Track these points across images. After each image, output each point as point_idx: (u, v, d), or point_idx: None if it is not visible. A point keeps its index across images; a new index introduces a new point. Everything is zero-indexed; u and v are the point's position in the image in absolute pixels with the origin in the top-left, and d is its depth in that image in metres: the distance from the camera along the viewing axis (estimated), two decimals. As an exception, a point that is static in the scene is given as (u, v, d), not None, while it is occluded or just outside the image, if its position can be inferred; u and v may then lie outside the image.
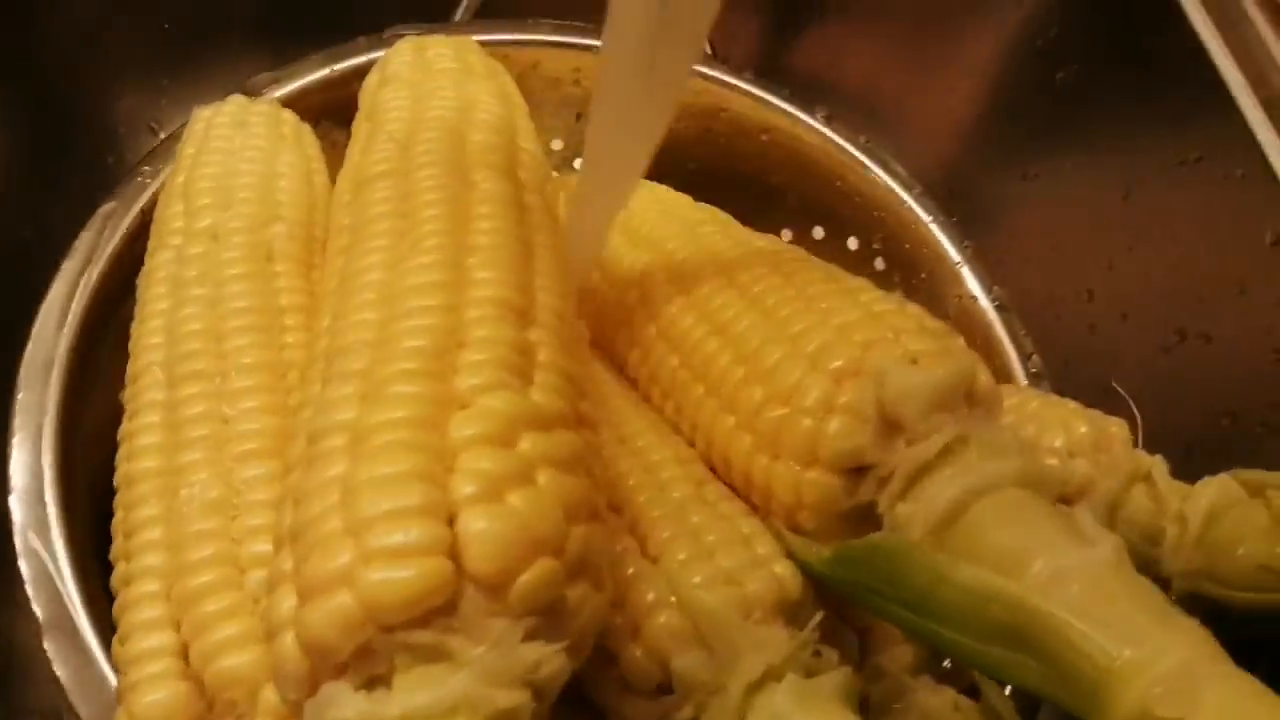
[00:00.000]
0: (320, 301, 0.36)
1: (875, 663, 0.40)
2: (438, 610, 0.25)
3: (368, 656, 0.25)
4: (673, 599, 0.34)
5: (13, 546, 0.42)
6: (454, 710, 0.24)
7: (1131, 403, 0.43)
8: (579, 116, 0.60)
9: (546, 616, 0.26)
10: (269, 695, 0.30)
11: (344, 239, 0.37)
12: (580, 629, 0.27)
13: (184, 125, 0.49)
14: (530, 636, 0.25)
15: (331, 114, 0.53)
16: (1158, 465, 0.42)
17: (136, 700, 0.31)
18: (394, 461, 0.26)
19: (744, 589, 0.34)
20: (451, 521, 0.25)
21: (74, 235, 0.48)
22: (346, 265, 0.35)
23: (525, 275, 0.34)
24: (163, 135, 0.62)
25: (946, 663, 0.46)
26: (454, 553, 0.25)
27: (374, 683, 0.25)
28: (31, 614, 0.52)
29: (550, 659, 0.25)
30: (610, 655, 0.35)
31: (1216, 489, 0.39)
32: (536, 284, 0.35)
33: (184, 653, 0.32)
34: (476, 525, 0.25)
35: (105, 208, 0.48)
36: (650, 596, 0.34)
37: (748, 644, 0.33)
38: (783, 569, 0.35)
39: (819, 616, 0.34)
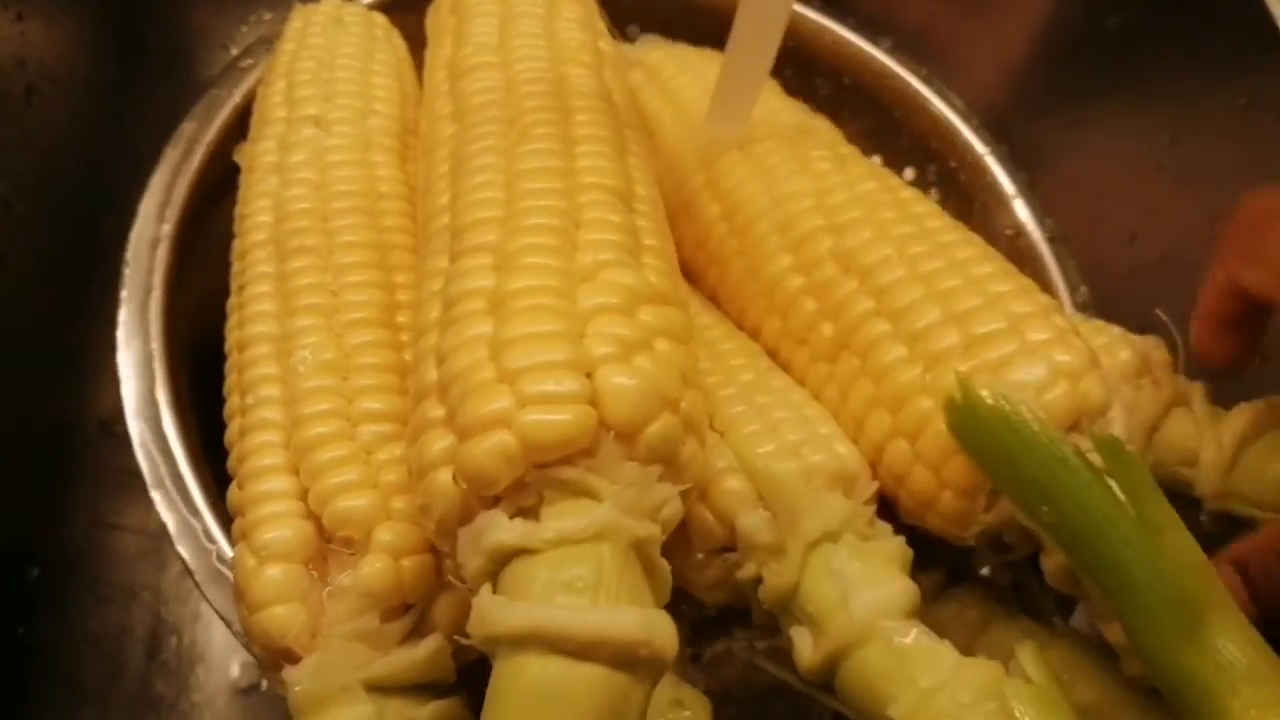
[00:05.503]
0: (428, 182, 0.38)
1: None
2: (582, 452, 0.28)
3: (520, 490, 0.28)
4: (738, 466, 0.36)
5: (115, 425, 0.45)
6: (600, 536, 0.27)
7: (1173, 329, 0.45)
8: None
9: (666, 465, 0.29)
10: (382, 533, 0.33)
11: (448, 126, 0.39)
12: (689, 479, 0.30)
13: (267, 25, 0.51)
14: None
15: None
16: (1197, 390, 0.44)
17: (259, 536, 0.34)
18: (537, 322, 0.29)
19: (805, 460, 0.36)
20: (590, 377, 0.28)
21: (150, 145, 0.50)
22: (458, 149, 0.37)
23: (623, 164, 0.37)
24: (234, 51, 0.63)
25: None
26: (595, 403, 0.28)
27: (522, 514, 0.28)
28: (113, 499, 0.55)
29: (672, 500, 0.29)
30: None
31: (1250, 413, 0.41)
32: (633, 174, 0.37)
33: (303, 495, 0.34)
34: (616, 380, 0.28)
35: (207, 97, 0.50)
36: (720, 464, 0.37)
37: (807, 507, 0.35)
38: (842, 447, 0.38)
39: (874, 487, 0.37)
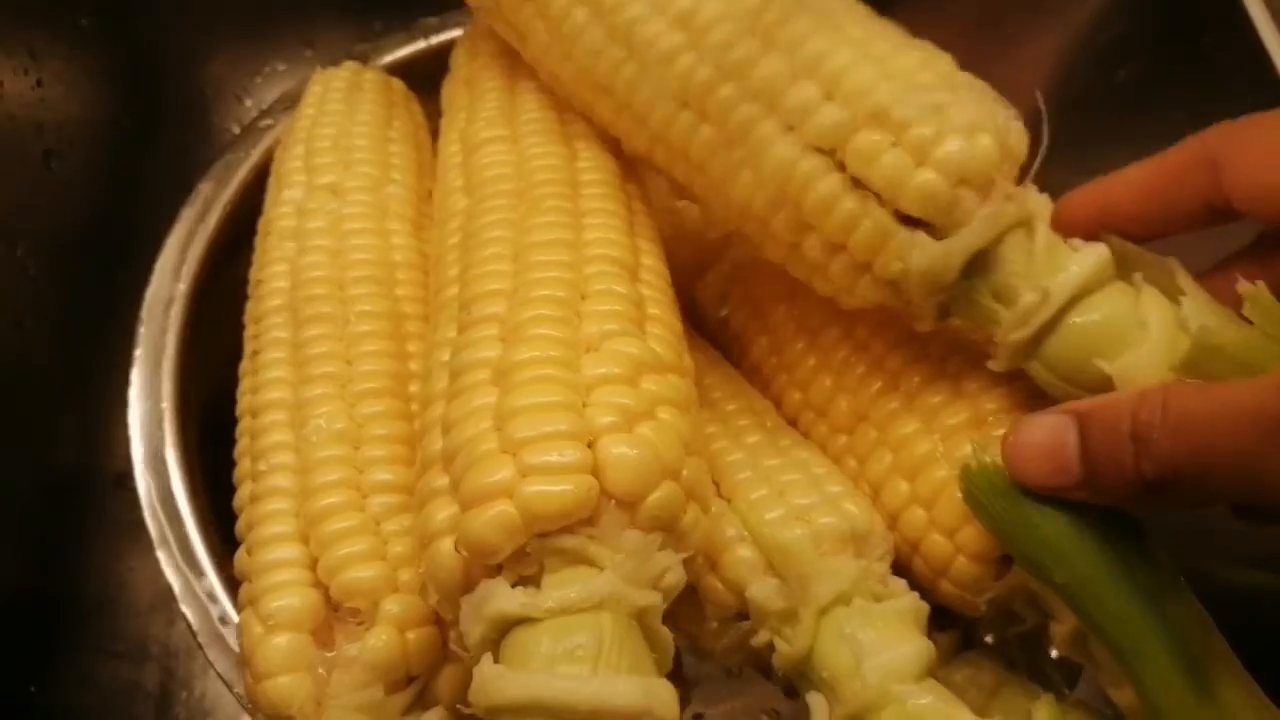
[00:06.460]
0: (440, 253, 0.39)
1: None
2: (584, 521, 0.28)
3: (521, 559, 0.28)
4: (747, 534, 0.37)
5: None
6: (601, 605, 0.27)
7: (1044, 113, 0.40)
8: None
9: (668, 532, 0.29)
10: (389, 605, 0.33)
11: (461, 199, 0.40)
12: (691, 546, 0.30)
13: (283, 85, 0.51)
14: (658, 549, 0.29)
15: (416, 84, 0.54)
16: (1042, 210, 0.37)
17: (267, 603, 0.34)
18: (541, 393, 0.30)
19: (814, 524, 0.36)
20: (591, 446, 0.29)
21: (166, 200, 0.51)
22: (469, 222, 0.38)
23: (630, 236, 0.38)
24: (248, 103, 0.65)
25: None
26: (596, 472, 0.28)
27: (524, 582, 0.28)
28: (126, 554, 0.56)
29: (673, 569, 0.29)
30: (690, 586, 0.38)
31: (1095, 262, 0.35)
32: (640, 245, 0.38)
33: (312, 564, 0.35)
34: (617, 450, 0.29)
35: (225, 158, 0.51)
36: (729, 532, 0.37)
37: (817, 573, 0.35)
38: (852, 505, 0.37)
39: (889, 542, 0.37)
